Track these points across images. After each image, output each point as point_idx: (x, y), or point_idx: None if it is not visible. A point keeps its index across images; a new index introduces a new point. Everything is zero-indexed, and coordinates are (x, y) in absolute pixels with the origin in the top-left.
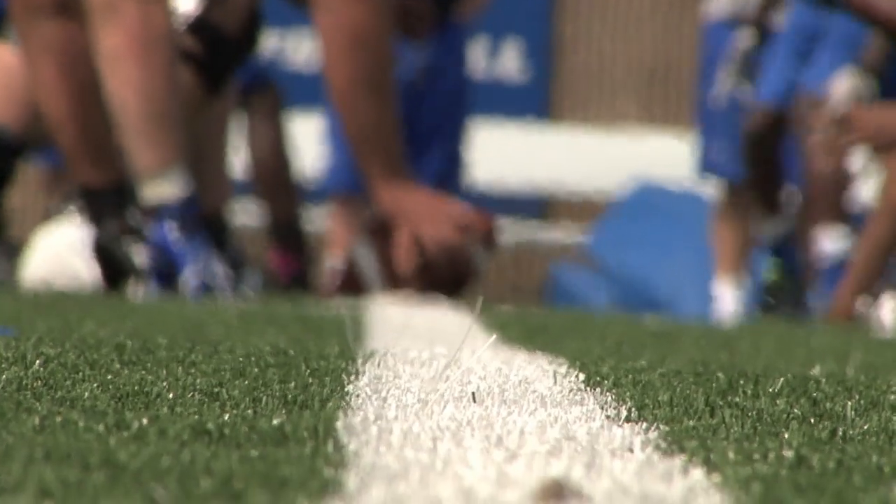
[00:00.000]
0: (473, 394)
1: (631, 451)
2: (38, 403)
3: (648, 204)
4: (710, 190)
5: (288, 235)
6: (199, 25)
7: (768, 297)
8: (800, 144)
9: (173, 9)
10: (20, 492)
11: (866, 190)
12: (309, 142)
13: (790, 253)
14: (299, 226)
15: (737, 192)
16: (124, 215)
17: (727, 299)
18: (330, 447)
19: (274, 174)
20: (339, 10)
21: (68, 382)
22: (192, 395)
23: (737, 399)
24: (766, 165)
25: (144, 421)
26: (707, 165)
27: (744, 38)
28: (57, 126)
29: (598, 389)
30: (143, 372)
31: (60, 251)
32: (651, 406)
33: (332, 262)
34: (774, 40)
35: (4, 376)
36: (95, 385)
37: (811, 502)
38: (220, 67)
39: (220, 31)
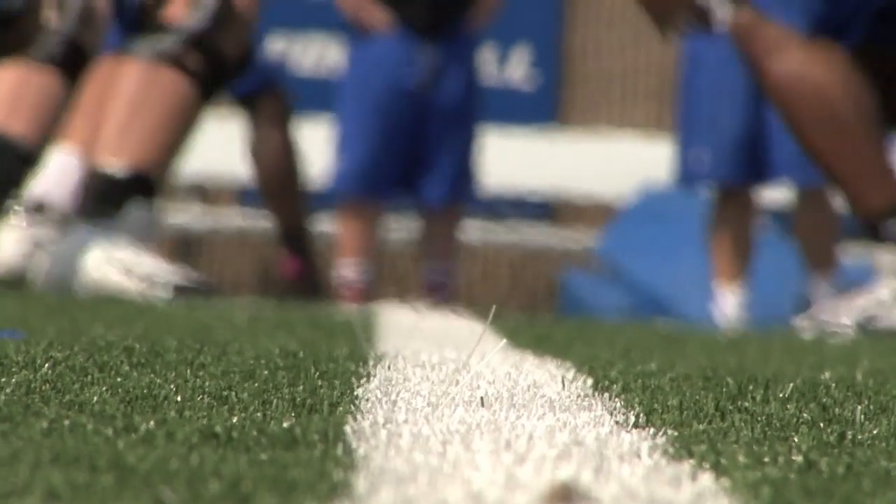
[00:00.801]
0: (482, 398)
1: (639, 456)
2: (46, 407)
3: (656, 209)
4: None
5: (296, 240)
6: (204, 44)
7: None
8: None
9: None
10: (28, 494)
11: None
12: (317, 147)
13: None
14: (307, 230)
15: (730, 195)
16: None
17: (727, 305)
18: (339, 450)
19: (281, 179)
20: None
21: (77, 386)
22: (201, 398)
23: (746, 404)
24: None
25: (152, 424)
26: (688, 174)
27: None
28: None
29: (606, 394)
30: (152, 375)
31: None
32: (660, 411)
33: (342, 267)
34: None
35: (14, 380)
36: (104, 388)
37: None
38: (216, 84)
39: (222, 53)
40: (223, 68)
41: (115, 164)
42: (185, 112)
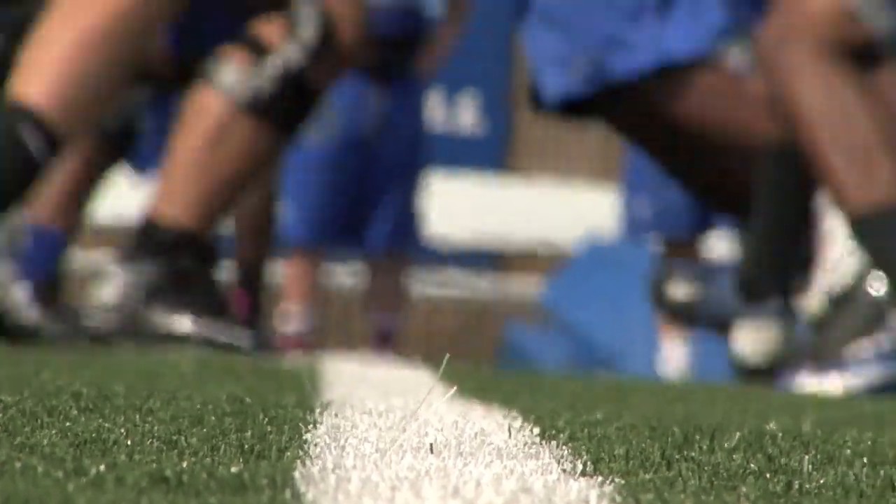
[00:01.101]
0: (431, 445)
1: (587, 503)
2: None
3: (603, 259)
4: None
5: (251, 279)
6: (295, 83)
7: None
8: None
9: None
10: None
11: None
12: None
13: None
14: (263, 271)
15: (676, 247)
16: None
17: (674, 356)
18: (288, 495)
19: (255, 218)
20: None
21: (27, 429)
22: (151, 443)
23: (693, 453)
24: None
25: (103, 468)
26: (632, 226)
27: None
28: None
29: (553, 443)
30: (101, 420)
31: None
32: (607, 459)
33: (286, 314)
34: None
35: None
36: (54, 432)
37: None
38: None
39: (314, 93)
40: (309, 109)
41: (174, 220)
42: (253, 173)
